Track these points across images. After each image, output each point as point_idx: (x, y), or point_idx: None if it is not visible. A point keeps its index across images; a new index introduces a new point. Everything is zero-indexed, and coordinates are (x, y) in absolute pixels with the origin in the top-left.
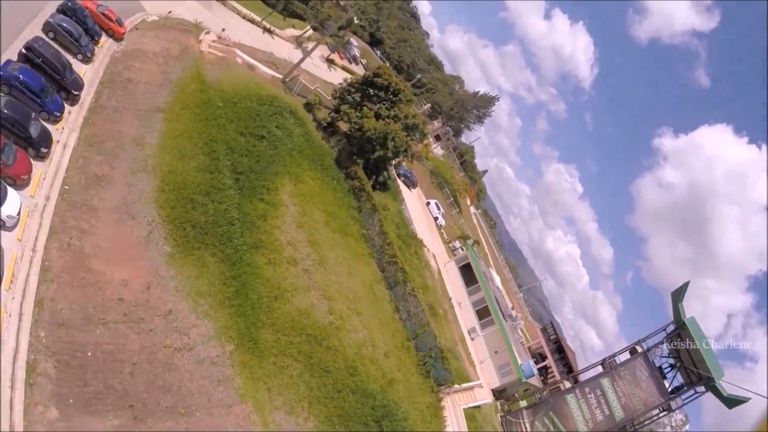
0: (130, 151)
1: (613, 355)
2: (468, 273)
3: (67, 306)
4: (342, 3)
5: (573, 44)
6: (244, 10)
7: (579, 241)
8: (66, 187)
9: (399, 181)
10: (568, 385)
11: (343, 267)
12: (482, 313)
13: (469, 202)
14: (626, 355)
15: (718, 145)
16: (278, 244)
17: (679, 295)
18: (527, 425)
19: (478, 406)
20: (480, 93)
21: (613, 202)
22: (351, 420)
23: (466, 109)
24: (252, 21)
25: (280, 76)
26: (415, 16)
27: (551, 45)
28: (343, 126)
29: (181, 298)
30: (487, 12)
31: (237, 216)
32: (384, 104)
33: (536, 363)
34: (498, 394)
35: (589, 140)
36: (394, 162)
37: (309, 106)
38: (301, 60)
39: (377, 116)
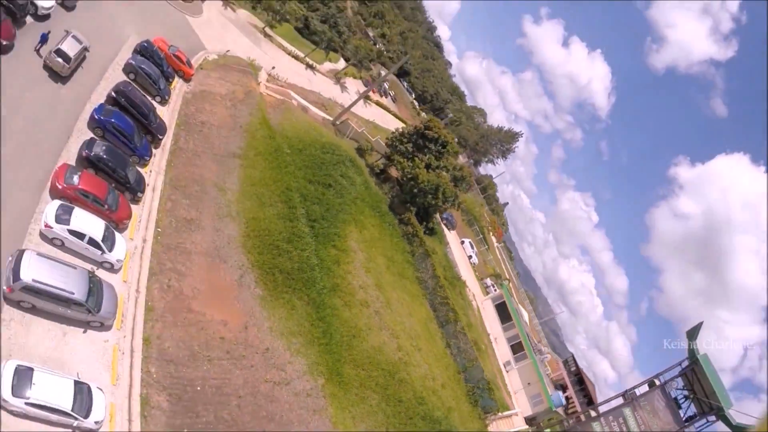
0: (213, 195)
1: (634, 388)
2: (503, 311)
3: (173, 344)
4: (371, 35)
5: (590, 72)
6: (289, 47)
7: (593, 271)
8: (159, 230)
9: (442, 225)
10: (593, 413)
11: (404, 307)
12: (516, 348)
13: (495, 240)
14: (645, 387)
15: (734, 174)
16: (351, 287)
17: (693, 333)
18: None
19: None
20: (505, 128)
21: (629, 232)
22: None
23: (491, 143)
24: (296, 57)
25: (330, 118)
26: (438, 46)
27: (568, 73)
28: (394, 172)
29: (276, 338)
30: (506, 38)
31: (316, 262)
32: (434, 155)
33: None
34: (528, 421)
35: (605, 169)
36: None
37: (361, 151)
38: (351, 105)
39: (427, 167)
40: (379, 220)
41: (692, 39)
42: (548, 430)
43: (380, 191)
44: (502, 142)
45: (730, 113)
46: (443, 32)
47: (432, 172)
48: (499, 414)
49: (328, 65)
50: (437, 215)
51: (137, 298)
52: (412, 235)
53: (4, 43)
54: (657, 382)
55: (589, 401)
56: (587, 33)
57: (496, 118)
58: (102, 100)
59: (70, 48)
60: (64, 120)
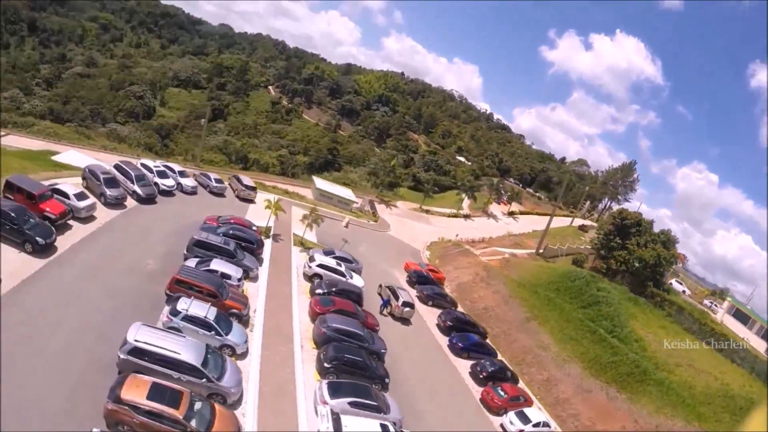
0: (543, 355)
1: None
2: (739, 315)
3: None
4: (461, 159)
5: (624, 54)
6: (445, 210)
7: (743, 228)
8: (538, 397)
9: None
10: None
11: (695, 353)
12: (765, 337)
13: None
14: None
15: None
16: (663, 359)
17: None
18: None
19: None
20: (617, 167)
21: (753, 170)
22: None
23: (615, 186)
24: (454, 215)
25: (530, 251)
26: (504, 128)
27: (607, 68)
28: (612, 264)
29: (655, 418)
30: (536, 78)
31: (638, 357)
32: (636, 235)
33: None
34: None
35: (694, 129)
36: None
37: (578, 262)
38: (545, 233)
39: (638, 246)
40: (634, 305)
41: None
42: None
43: (617, 284)
44: (623, 178)
45: None
46: (482, 107)
47: (646, 249)
48: None
49: (465, 203)
50: None
51: None
52: (662, 301)
53: (377, 328)
54: None
55: None
56: (598, 24)
57: (575, 151)
58: (436, 331)
59: (408, 297)
60: (438, 355)
